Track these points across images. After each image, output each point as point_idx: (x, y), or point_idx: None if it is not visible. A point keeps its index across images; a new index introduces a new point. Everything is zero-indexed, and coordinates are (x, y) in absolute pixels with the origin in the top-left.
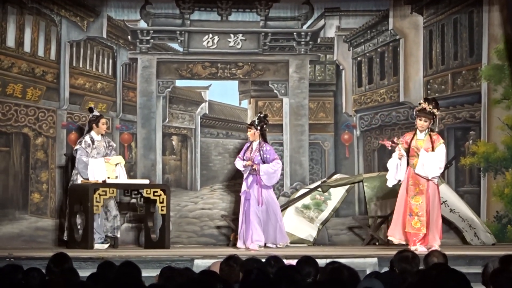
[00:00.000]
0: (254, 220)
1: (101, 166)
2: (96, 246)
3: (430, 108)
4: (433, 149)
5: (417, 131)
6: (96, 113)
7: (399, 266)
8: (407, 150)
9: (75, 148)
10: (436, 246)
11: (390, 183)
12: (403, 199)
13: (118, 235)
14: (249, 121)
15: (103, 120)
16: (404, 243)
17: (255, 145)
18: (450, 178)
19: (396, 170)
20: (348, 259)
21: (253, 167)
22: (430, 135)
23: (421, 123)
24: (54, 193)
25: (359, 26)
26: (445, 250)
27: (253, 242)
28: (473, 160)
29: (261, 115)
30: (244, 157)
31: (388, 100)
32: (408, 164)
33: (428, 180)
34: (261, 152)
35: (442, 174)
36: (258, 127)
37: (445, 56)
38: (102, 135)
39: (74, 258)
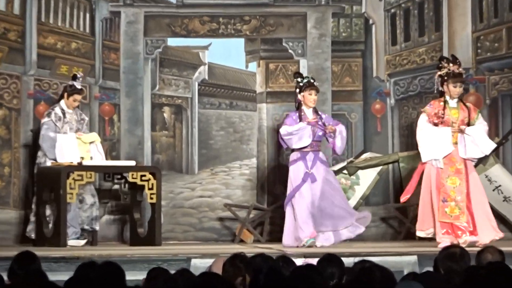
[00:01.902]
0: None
1: (72, 143)
2: (71, 242)
3: (457, 69)
4: (469, 120)
5: (448, 98)
6: (76, 84)
7: (444, 265)
8: (435, 124)
9: (42, 121)
10: (486, 240)
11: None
12: (429, 183)
13: (97, 228)
14: (259, 88)
15: (77, 97)
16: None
17: (310, 113)
18: (506, 157)
19: (447, 145)
20: (380, 257)
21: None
22: (463, 103)
23: (457, 90)
24: (18, 179)
25: None
26: (501, 246)
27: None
28: None
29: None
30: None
31: (429, 61)
32: None
33: (465, 159)
34: (321, 120)
35: (496, 153)
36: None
37: (498, 6)
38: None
39: (42, 258)
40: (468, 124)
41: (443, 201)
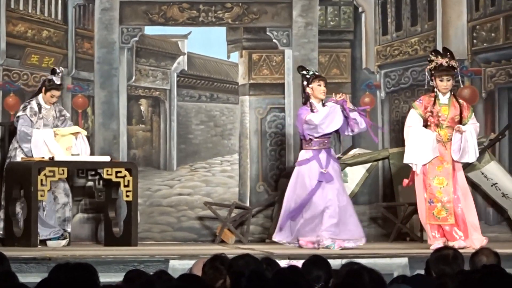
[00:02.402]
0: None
1: (50, 138)
2: (50, 243)
3: (447, 62)
4: (461, 118)
5: (439, 93)
6: (55, 79)
7: (436, 268)
8: (425, 119)
9: (17, 115)
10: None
11: (417, 160)
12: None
13: (69, 230)
14: (242, 80)
15: (55, 93)
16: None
17: (320, 106)
18: (502, 154)
19: (431, 150)
20: (370, 259)
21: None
22: (456, 98)
23: (444, 84)
24: None
25: None
26: (497, 247)
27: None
28: None
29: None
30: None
31: (422, 52)
32: None
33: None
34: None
35: (493, 150)
36: None
37: None
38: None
39: (12, 259)
40: (460, 123)
41: (430, 203)
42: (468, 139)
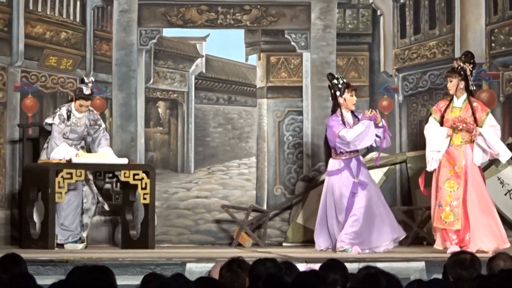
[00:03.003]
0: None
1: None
2: (68, 246)
3: (458, 64)
4: (476, 122)
5: (454, 97)
6: (85, 89)
7: (453, 272)
8: (441, 122)
9: (48, 121)
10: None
11: (433, 167)
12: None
13: (84, 235)
14: (260, 83)
15: (84, 103)
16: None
17: (350, 117)
18: None
19: (442, 146)
20: (386, 263)
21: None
22: (470, 101)
23: (448, 85)
24: (4, 176)
25: None
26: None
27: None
28: None
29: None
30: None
31: (440, 55)
32: None
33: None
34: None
35: None
36: None
37: None
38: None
39: (29, 261)
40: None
41: (439, 206)
42: (486, 139)
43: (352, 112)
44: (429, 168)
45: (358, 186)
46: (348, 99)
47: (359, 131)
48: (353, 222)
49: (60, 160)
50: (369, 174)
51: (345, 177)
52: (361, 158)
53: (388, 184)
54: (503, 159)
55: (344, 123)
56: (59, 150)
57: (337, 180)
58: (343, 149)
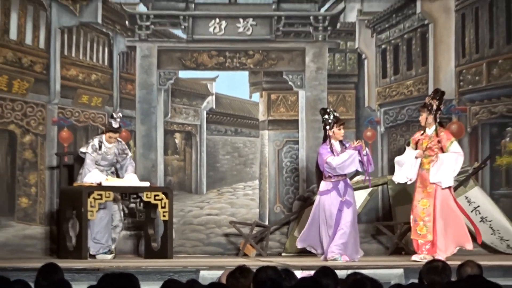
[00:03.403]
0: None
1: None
2: (99, 257)
3: (428, 101)
4: (442, 149)
5: (426, 128)
6: (113, 123)
7: (428, 278)
8: (415, 149)
9: (82, 150)
10: (447, 254)
11: (398, 180)
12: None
13: (113, 247)
14: (262, 117)
15: (112, 135)
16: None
17: (338, 146)
18: (484, 181)
19: (410, 167)
20: (371, 270)
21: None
22: (437, 131)
23: (419, 118)
24: (44, 198)
25: (383, 9)
26: (478, 260)
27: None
28: (510, 160)
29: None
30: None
31: (416, 92)
32: (419, 165)
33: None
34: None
35: (476, 176)
36: None
37: (479, 43)
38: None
39: (66, 269)
40: (443, 152)
41: (415, 221)
42: (441, 161)
43: (340, 141)
44: (396, 180)
45: (344, 204)
46: (337, 132)
47: (344, 159)
48: (341, 235)
49: (92, 183)
50: (354, 195)
51: (333, 197)
52: (348, 180)
53: (372, 203)
54: (443, 184)
55: (332, 151)
56: (92, 175)
57: (327, 199)
58: (330, 173)
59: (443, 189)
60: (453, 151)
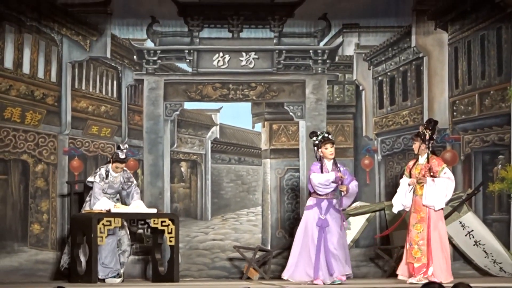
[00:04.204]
0: (335, 250)
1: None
2: (108, 281)
3: (421, 130)
4: (434, 175)
5: (419, 156)
6: (120, 154)
7: None
8: (410, 177)
9: (90, 180)
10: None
11: (396, 209)
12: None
13: (122, 271)
14: (264, 146)
15: (119, 165)
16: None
17: (330, 165)
18: (477, 206)
19: (404, 195)
20: None
21: (341, 181)
22: (429, 159)
23: (413, 146)
24: (55, 224)
25: (380, 43)
26: (471, 282)
27: (340, 275)
28: (502, 186)
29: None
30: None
31: (411, 122)
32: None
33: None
34: (339, 172)
35: (469, 202)
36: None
37: (471, 75)
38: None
39: None
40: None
41: (410, 245)
42: (430, 185)
43: (335, 163)
44: (395, 211)
45: (321, 222)
46: (324, 151)
47: (322, 180)
48: (334, 258)
49: (101, 210)
50: (339, 219)
51: (314, 212)
52: (334, 202)
53: (370, 228)
54: (435, 207)
55: (322, 169)
56: (101, 203)
57: (310, 213)
58: (313, 189)
59: (436, 211)
60: (444, 177)
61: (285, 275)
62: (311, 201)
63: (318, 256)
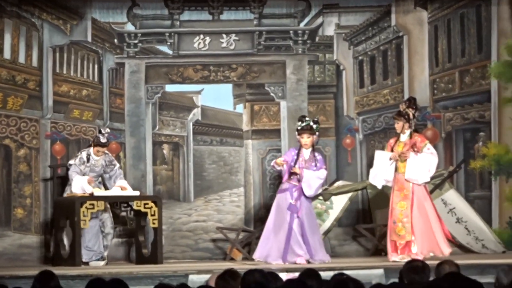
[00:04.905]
0: (300, 234)
1: (85, 185)
2: (92, 264)
3: (403, 108)
4: (417, 151)
5: (400, 134)
6: (101, 138)
7: (408, 277)
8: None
9: (70, 163)
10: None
11: (379, 184)
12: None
13: (105, 254)
14: (245, 127)
15: (100, 149)
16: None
17: (307, 153)
18: (459, 183)
19: (385, 170)
20: (353, 271)
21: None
22: (412, 136)
23: (395, 125)
24: (38, 208)
25: (360, 23)
26: (455, 259)
27: (300, 256)
28: (483, 163)
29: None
30: (298, 166)
31: (392, 101)
32: (395, 169)
33: (416, 184)
34: (315, 161)
35: (451, 179)
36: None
37: (452, 53)
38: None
39: (61, 276)
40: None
41: (394, 223)
42: (413, 159)
43: (314, 151)
44: (379, 186)
45: (291, 208)
46: (300, 140)
47: (272, 163)
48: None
49: (84, 193)
50: (309, 207)
51: (286, 196)
52: (299, 186)
53: (353, 207)
54: (419, 181)
55: (298, 156)
56: (76, 183)
57: (281, 197)
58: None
59: (419, 185)
60: (428, 152)
61: (256, 255)
62: (283, 185)
63: (288, 238)
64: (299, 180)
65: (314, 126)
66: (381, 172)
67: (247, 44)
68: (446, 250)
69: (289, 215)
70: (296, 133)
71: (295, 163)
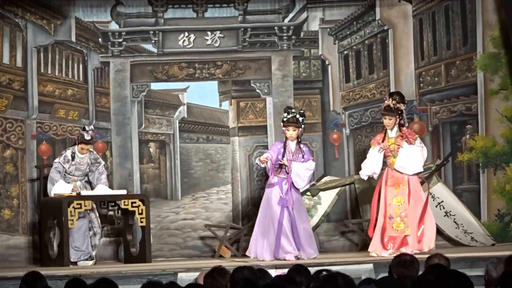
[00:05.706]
0: (289, 229)
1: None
2: (81, 263)
3: (394, 104)
4: (409, 143)
5: (387, 130)
6: (85, 135)
7: (397, 271)
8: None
9: (56, 161)
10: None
11: (364, 174)
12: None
13: (94, 254)
14: (232, 124)
15: (84, 146)
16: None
17: (293, 145)
18: (447, 176)
19: (374, 162)
20: (342, 266)
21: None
22: (401, 131)
23: (386, 121)
24: (25, 209)
25: (344, 17)
26: (445, 252)
27: (290, 253)
28: (471, 156)
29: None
30: (285, 159)
31: (378, 95)
32: (385, 165)
33: (408, 176)
34: (302, 153)
35: (439, 173)
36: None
37: (437, 46)
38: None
39: (48, 277)
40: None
41: (390, 218)
42: (407, 148)
43: (299, 144)
44: (363, 176)
45: (282, 201)
46: (285, 132)
47: (264, 158)
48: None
49: (71, 193)
50: (298, 199)
51: (275, 191)
52: (290, 179)
53: (340, 202)
54: (410, 171)
55: (285, 149)
56: (58, 187)
57: (270, 192)
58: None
59: (412, 175)
60: (419, 146)
61: (251, 254)
62: (272, 179)
63: (279, 234)
64: (287, 173)
65: (300, 118)
66: (369, 163)
67: (232, 41)
68: (432, 244)
69: (279, 209)
70: (282, 124)
71: (282, 156)
